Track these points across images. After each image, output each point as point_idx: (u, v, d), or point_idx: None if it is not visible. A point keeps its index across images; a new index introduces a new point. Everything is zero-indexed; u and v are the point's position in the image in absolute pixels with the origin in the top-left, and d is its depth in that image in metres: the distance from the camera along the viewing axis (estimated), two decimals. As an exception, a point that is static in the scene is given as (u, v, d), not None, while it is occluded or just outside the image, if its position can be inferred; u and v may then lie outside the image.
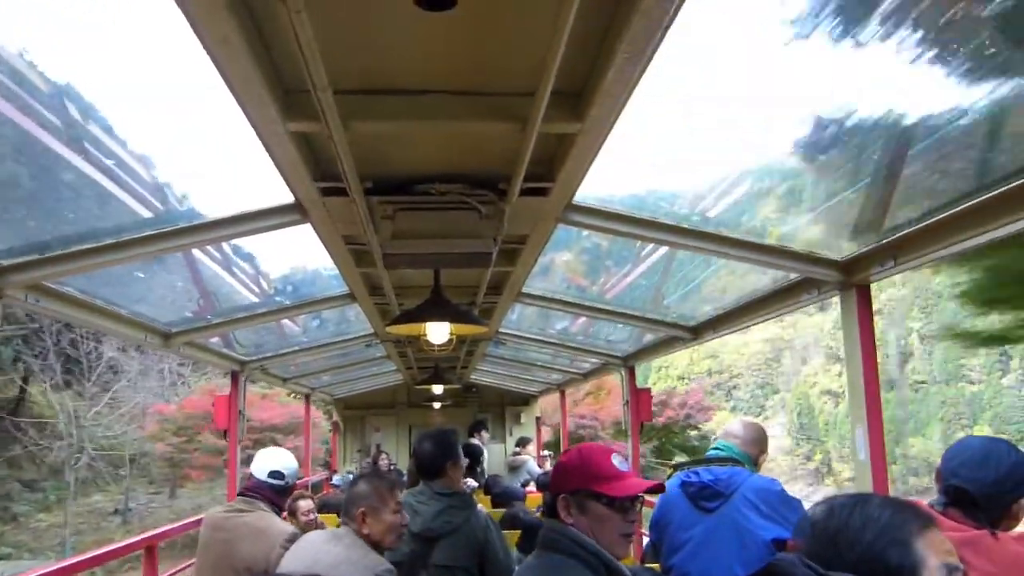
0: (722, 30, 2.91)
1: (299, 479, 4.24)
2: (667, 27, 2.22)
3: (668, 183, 4.32)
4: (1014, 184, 2.79)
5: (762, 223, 4.31)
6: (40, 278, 3.92)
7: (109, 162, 3.71)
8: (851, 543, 1.43)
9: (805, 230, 4.30)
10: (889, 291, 41.15)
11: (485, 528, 3.66)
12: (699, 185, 4.20)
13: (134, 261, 4.17)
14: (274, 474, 4.03)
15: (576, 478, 2.35)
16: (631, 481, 2.33)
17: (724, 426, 4.10)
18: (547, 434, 19.79)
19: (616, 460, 2.37)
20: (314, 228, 4.14)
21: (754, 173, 4.02)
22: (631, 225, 4.11)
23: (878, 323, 40.78)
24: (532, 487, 10.59)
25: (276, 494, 4.04)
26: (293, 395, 25.80)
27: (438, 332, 4.49)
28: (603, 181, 3.74)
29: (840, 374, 34.78)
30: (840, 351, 34.98)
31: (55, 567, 4.94)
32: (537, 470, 11.44)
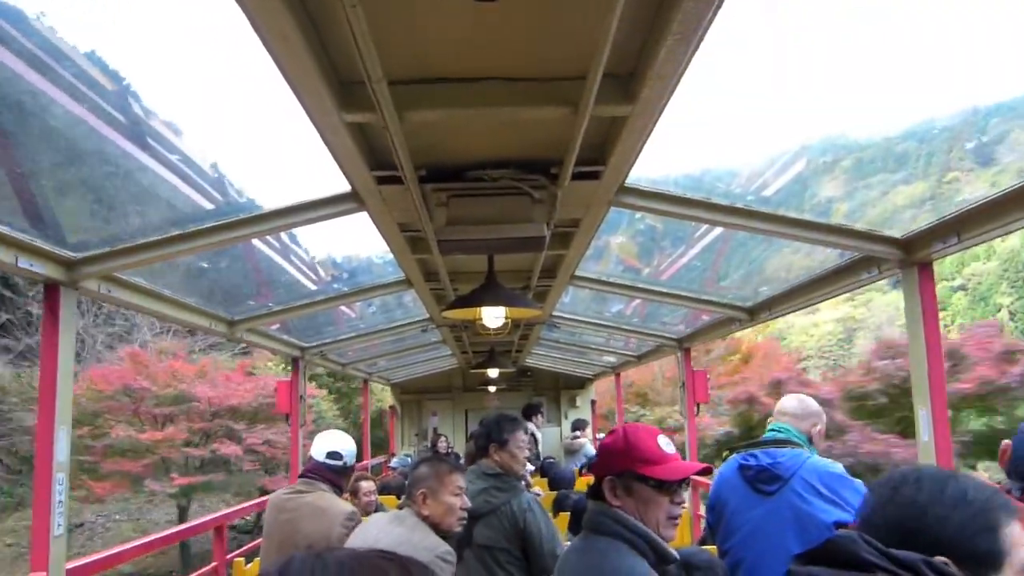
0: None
1: (358, 460, 4.33)
2: (719, 6, 2.21)
3: (724, 160, 4.30)
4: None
5: (820, 201, 4.26)
6: (112, 269, 4.07)
7: (173, 157, 3.83)
8: (942, 520, 1.34)
9: (864, 206, 4.24)
10: (974, 265, 39.53)
11: (525, 511, 3.67)
12: (756, 161, 4.16)
13: (198, 252, 4.29)
14: (332, 455, 4.13)
15: (622, 460, 2.36)
16: (677, 464, 2.33)
17: (777, 404, 4.02)
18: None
19: (662, 442, 2.37)
20: (370, 216, 4.21)
21: (812, 148, 3.97)
22: (685, 206, 4.09)
23: (961, 299, 39.29)
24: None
25: (335, 474, 4.13)
26: (278, 362, 23.49)
27: (493, 316, 4.54)
28: (658, 160, 3.72)
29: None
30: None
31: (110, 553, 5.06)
32: (594, 453, 11.45)
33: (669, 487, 2.29)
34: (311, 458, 4.20)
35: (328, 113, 2.82)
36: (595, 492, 2.42)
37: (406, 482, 3.37)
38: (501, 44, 2.64)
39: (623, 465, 2.33)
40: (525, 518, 3.66)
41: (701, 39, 2.41)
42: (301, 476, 4.21)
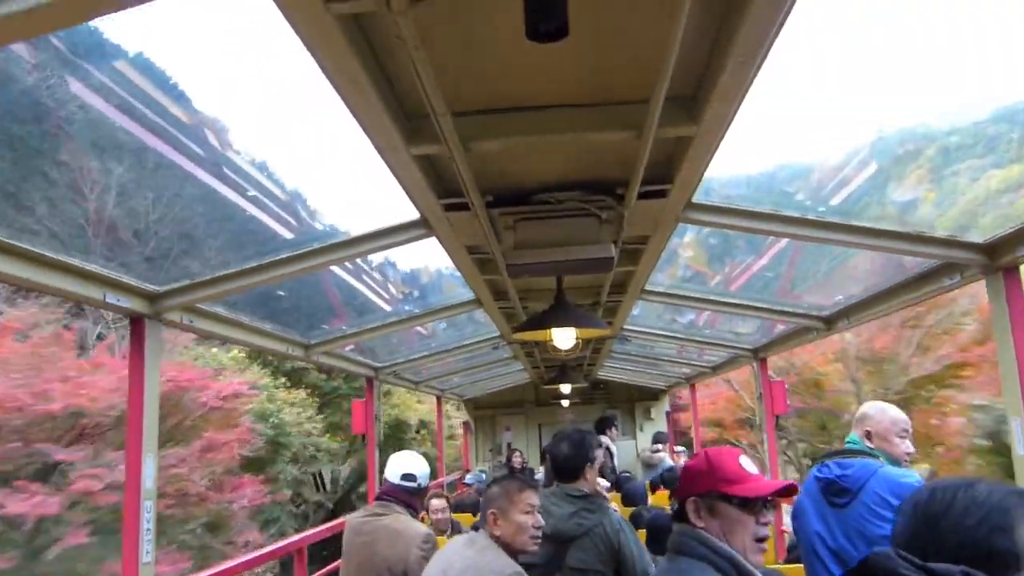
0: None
1: (433, 481, 4.37)
2: (779, 28, 2.19)
3: (798, 155, 4.22)
4: None
5: (903, 193, 4.16)
6: (193, 301, 4.21)
7: (253, 190, 3.96)
8: (955, 526, 1.38)
9: (953, 194, 4.12)
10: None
11: (618, 531, 3.64)
12: (831, 156, 4.08)
13: (277, 281, 4.41)
14: (406, 476, 4.16)
15: (704, 480, 2.34)
16: (760, 482, 2.31)
17: (858, 411, 3.91)
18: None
19: (744, 462, 2.35)
20: (439, 241, 4.28)
21: (890, 139, 3.87)
22: (755, 220, 4.04)
23: None
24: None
25: (410, 496, 4.17)
26: (222, 348, 20.56)
27: (563, 337, 4.55)
28: (729, 160, 3.63)
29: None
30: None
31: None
32: (670, 466, 11.29)
33: (753, 506, 2.27)
34: (386, 480, 4.25)
35: (396, 148, 2.89)
36: (680, 514, 2.42)
37: (480, 499, 3.37)
38: (563, 71, 2.67)
39: (706, 485, 2.32)
40: (619, 539, 3.62)
41: (765, 57, 2.39)
42: (377, 498, 4.26)
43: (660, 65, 2.31)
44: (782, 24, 2.18)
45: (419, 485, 4.19)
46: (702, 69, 2.62)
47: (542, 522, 3.22)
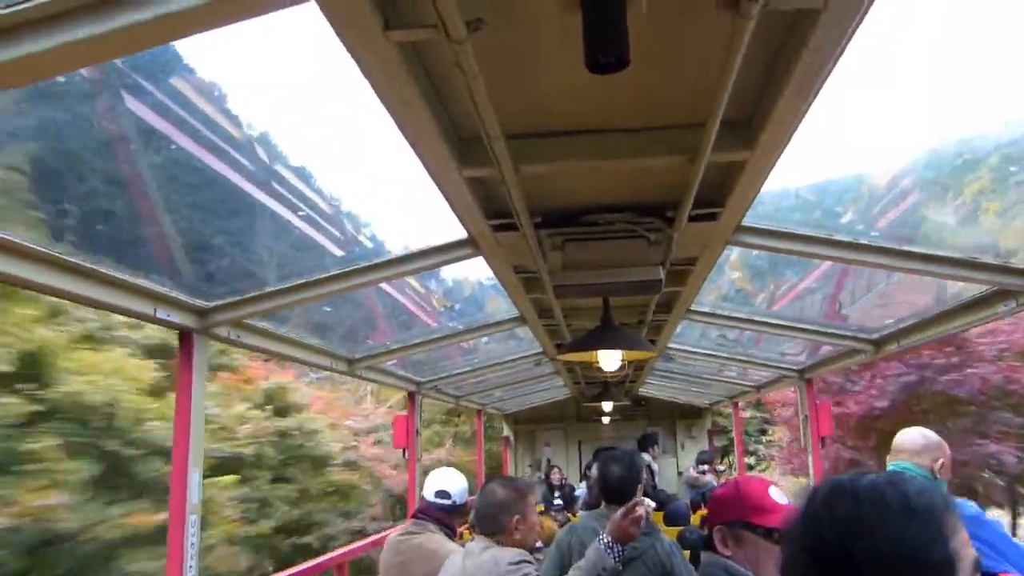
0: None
1: (467, 498, 4.29)
2: (838, 58, 2.17)
3: (849, 167, 4.13)
4: None
5: (949, 230, 4.08)
6: (242, 317, 4.27)
7: (302, 206, 4.01)
8: (893, 537, 1.14)
9: (996, 234, 4.03)
10: None
11: (670, 554, 3.61)
12: (884, 169, 4.00)
13: (324, 299, 4.45)
14: (440, 494, 4.09)
15: (732, 509, 2.32)
16: (783, 511, 2.29)
17: (895, 440, 3.82)
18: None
19: (774, 492, 2.33)
20: (486, 260, 4.29)
21: (947, 151, 3.78)
22: (804, 243, 4.00)
23: None
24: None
25: (445, 514, 4.09)
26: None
27: (610, 359, 4.53)
28: (779, 175, 3.56)
29: None
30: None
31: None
32: (714, 486, 11.14)
33: (769, 534, 2.25)
34: (422, 497, 4.21)
35: (448, 169, 2.91)
36: (708, 542, 2.40)
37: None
38: (617, 97, 2.66)
39: (734, 514, 2.31)
40: (672, 561, 3.60)
41: (822, 85, 2.36)
42: (413, 516, 4.22)
43: (716, 94, 2.30)
44: (842, 52, 2.15)
45: (454, 503, 4.11)
46: (758, 95, 2.60)
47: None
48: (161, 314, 3.79)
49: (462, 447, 23.53)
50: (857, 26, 2.05)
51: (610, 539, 3.04)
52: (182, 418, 4.03)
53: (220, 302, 4.12)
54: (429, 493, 4.14)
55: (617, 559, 3.00)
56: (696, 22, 2.16)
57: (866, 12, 1.98)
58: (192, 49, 3.18)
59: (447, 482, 4.16)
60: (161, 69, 3.14)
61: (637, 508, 3.05)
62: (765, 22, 1.94)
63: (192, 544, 3.92)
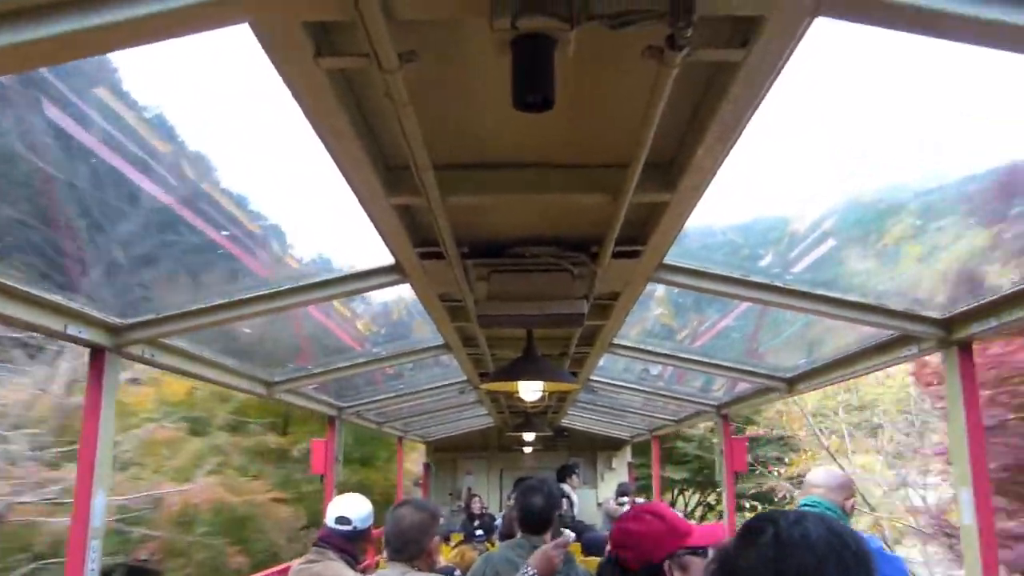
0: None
1: (370, 525, 4.17)
2: (756, 108, 2.27)
3: (776, 207, 4.27)
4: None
5: (859, 277, 4.25)
6: (159, 336, 4.18)
7: (227, 226, 3.95)
8: None
9: (903, 284, 4.22)
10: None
11: None
12: (808, 211, 4.14)
13: (246, 319, 4.39)
14: (341, 520, 3.97)
15: (671, 539, 2.36)
16: (706, 528, 2.40)
17: (805, 479, 3.95)
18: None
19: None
20: (412, 287, 4.30)
21: (871, 192, 3.94)
22: (723, 283, 4.12)
23: None
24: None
25: (346, 541, 3.97)
26: None
27: (531, 390, 4.56)
28: (707, 211, 3.63)
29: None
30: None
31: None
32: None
33: (705, 553, 2.32)
34: (324, 524, 4.13)
35: (376, 196, 2.92)
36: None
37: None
38: (544, 133, 2.72)
39: (675, 544, 2.35)
40: None
41: (741, 133, 2.46)
42: (314, 544, 4.13)
43: (639, 137, 2.37)
44: (760, 103, 2.25)
45: (355, 528, 4.01)
46: (680, 138, 2.68)
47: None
48: (72, 331, 3.68)
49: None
50: (774, 79, 2.14)
51: (534, 571, 3.06)
52: (89, 438, 3.90)
53: (136, 320, 4.03)
54: (330, 519, 4.04)
55: None
56: (622, 68, 2.23)
57: (783, 67, 2.08)
58: (121, 61, 3.13)
59: (348, 508, 4.06)
60: (86, 79, 3.08)
61: (562, 539, 3.11)
62: (687, 71, 2.02)
63: (92, 571, 3.77)
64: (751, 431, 21.73)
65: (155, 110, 3.52)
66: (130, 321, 4.01)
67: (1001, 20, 1.71)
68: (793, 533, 1.21)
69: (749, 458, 20.68)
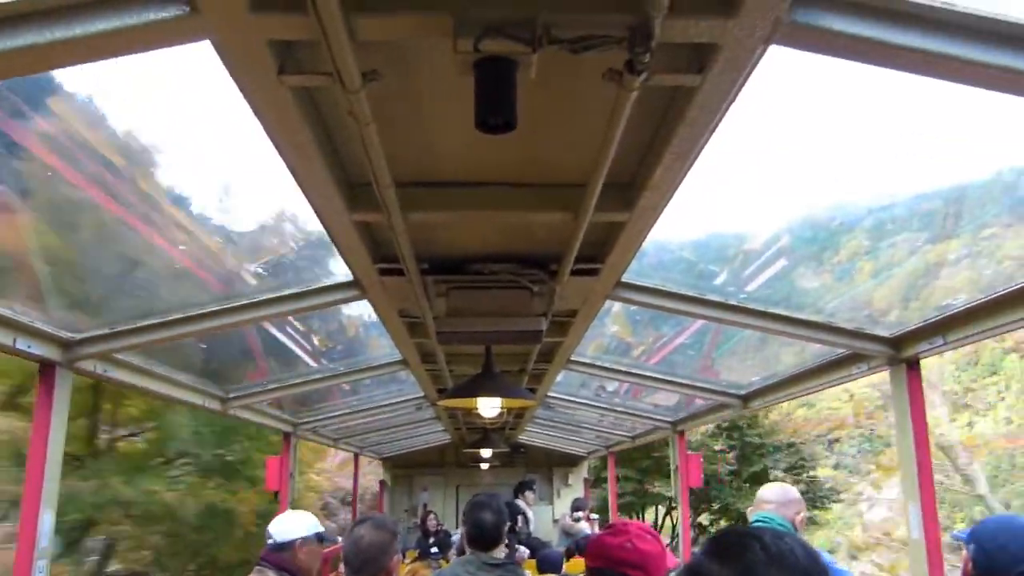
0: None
1: (296, 539, 4.09)
2: (713, 130, 2.32)
3: (733, 223, 4.35)
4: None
5: (811, 295, 4.35)
6: (110, 351, 4.11)
7: (183, 240, 3.91)
8: None
9: (854, 303, 4.33)
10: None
11: None
12: (765, 228, 4.22)
13: (201, 335, 4.34)
14: (268, 535, 3.96)
15: (666, 560, 2.38)
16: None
17: (758, 494, 4.01)
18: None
19: None
20: (371, 303, 4.29)
21: (825, 210, 4.04)
22: (679, 301, 4.19)
23: (1015, 362, 36.82)
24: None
25: (277, 555, 3.91)
26: None
27: (489, 406, 4.57)
28: (666, 225, 3.65)
29: (969, 423, 31.65)
30: (966, 398, 32.69)
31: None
32: (588, 534, 11.17)
33: None
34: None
35: (337, 212, 2.92)
36: None
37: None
38: (506, 152, 2.75)
39: (673, 563, 2.37)
40: None
41: (698, 156, 2.52)
42: (256, 563, 4.08)
43: (599, 157, 2.41)
44: (716, 127, 2.31)
45: (275, 542, 3.97)
46: (639, 159, 2.73)
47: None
48: (21, 345, 3.60)
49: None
50: (731, 104, 2.20)
51: None
52: (37, 455, 3.82)
53: (89, 334, 3.96)
54: (268, 536, 4.01)
55: None
56: (583, 91, 2.27)
57: (739, 91, 2.14)
58: (76, 74, 3.10)
59: (279, 523, 4.04)
60: (40, 90, 3.04)
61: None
62: (646, 95, 2.06)
63: None
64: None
65: (111, 123, 3.48)
66: (82, 336, 3.94)
67: (944, 52, 1.79)
68: (782, 548, 1.21)
69: (758, 467, 20.77)
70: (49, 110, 3.08)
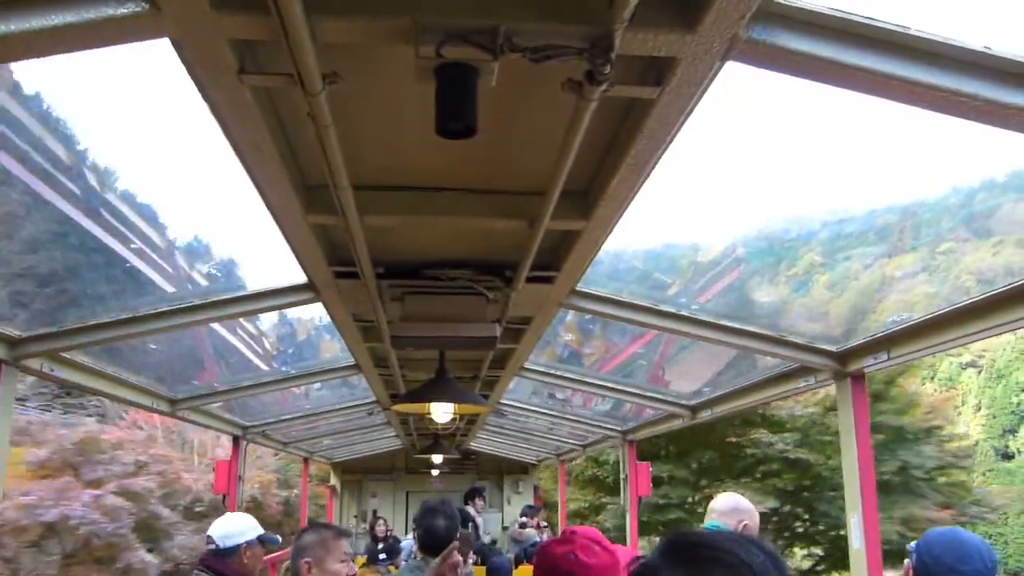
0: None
1: (242, 544, 4.04)
2: (669, 144, 2.37)
3: (688, 234, 4.41)
4: (1005, 288, 2.93)
5: (763, 308, 4.43)
6: (57, 349, 4.03)
7: (134, 239, 3.85)
8: None
9: (802, 318, 4.42)
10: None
11: None
12: (720, 238, 4.29)
13: (150, 335, 4.27)
14: (208, 539, 3.95)
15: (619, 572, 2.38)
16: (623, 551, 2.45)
17: (711, 503, 4.12)
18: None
19: None
20: (325, 306, 4.26)
21: (781, 222, 4.13)
22: (633, 311, 4.23)
23: (973, 378, 37.01)
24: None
25: (215, 559, 3.88)
26: None
27: (442, 412, 4.57)
28: (621, 234, 3.66)
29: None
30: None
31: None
32: (536, 542, 11.19)
33: None
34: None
35: (293, 214, 2.90)
36: None
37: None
38: (465, 159, 2.76)
39: None
40: None
41: (654, 167, 2.56)
42: (195, 566, 4.03)
43: (557, 166, 2.44)
44: (672, 139, 2.35)
45: (217, 547, 3.93)
46: (596, 168, 2.77)
47: (356, 570, 3.17)
48: None
49: None
50: (687, 117, 2.25)
51: None
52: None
53: (35, 332, 3.88)
54: (208, 541, 3.98)
55: None
56: (542, 100, 2.30)
57: (696, 105, 2.18)
58: (23, 67, 3.04)
59: (215, 526, 3.99)
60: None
61: (453, 554, 3.07)
62: (605, 105, 2.09)
63: None
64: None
65: (59, 117, 3.42)
66: (29, 334, 3.86)
67: (896, 74, 1.85)
68: (757, 557, 1.15)
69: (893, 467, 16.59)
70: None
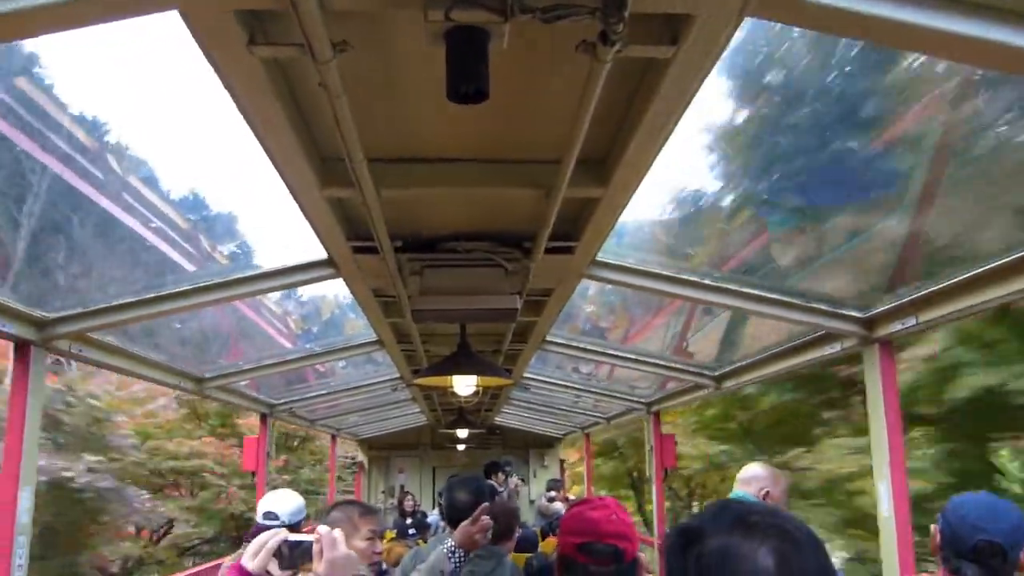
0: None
1: (302, 518, 4.13)
2: (686, 106, 2.32)
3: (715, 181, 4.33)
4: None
5: (785, 274, 4.36)
6: (85, 330, 4.07)
7: (155, 219, 3.87)
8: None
9: (829, 282, 4.34)
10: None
11: None
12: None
13: (175, 314, 4.31)
14: (268, 515, 3.96)
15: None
16: None
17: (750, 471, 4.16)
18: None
19: None
20: (345, 282, 4.27)
21: (778, 219, 4.06)
22: (653, 280, 4.20)
23: None
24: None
25: None
26: None
27: (464, 384, 4.57)
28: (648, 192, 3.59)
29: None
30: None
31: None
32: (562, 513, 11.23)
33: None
34: (255, 521, 4.09)
35: (309, 188, 2.89)
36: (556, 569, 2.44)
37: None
38: (480, 129, 2.74)
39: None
40: None
41: (672, 130, 2.52)
42: (245, 540, 4.09)
43: (572, 132, 2.41)
44: (690, 101, 2.31)
45: (283, 523, 3.97)
46: (613, 134, 2.73)
47: (380, 548, 3.20)
48: None
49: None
50: (705, 77, 2.20)
51: (454, 544, 3.08)
52: (14, 433, 3.80)
53: (62, 314, 3.93)
54: (259, 515, 4.03)
55: (457, 564, 3.04)
56: (556, 63, 2.26)
57: (712, 65, 2.14)
58: (45, 50, 3.04)
59: (275, 503, 4.04)
60: (7, 67, 2.99)
61: (484, 517, 3.10)
62: (619, 68, 2.06)
63: (20, 566, 3.67)
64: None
65: (80, 102, 3.43)
66: (56, 315, 3.91)
67: (915, 23, 1.79)
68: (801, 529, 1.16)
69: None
70: (15, 88, 3.03)
